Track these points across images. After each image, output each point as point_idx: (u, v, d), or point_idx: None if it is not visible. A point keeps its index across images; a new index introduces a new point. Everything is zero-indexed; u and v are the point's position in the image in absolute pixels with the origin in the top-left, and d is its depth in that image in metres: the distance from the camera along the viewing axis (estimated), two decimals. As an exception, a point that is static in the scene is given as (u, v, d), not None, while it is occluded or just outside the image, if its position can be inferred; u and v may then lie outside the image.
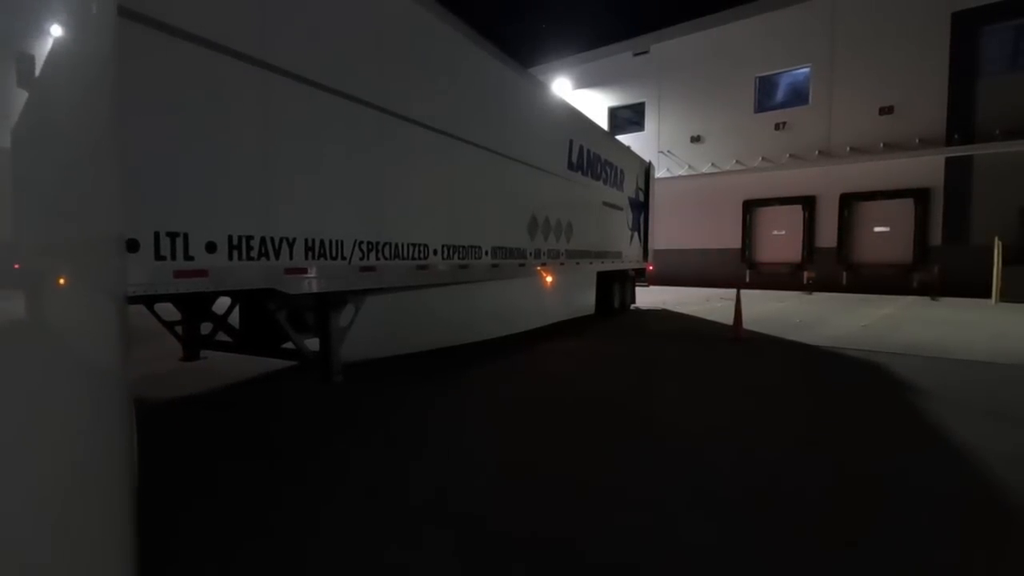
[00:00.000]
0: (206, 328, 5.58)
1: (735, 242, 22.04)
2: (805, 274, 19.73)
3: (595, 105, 25.65)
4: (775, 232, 21.22)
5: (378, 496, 2.87)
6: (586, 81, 26.37)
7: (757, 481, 3.06)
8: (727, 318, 10.48)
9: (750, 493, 2.90)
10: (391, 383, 5.36)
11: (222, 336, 5.40)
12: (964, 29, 17.21)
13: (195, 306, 5.35)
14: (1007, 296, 14.64)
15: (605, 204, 9.94)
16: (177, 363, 5.76)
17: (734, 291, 18.62)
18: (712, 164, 22.47)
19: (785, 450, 3.56)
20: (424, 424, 4.15)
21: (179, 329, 5.59)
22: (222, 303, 5.40)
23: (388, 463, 3.35)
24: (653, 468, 3.27)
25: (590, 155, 9.06)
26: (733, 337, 8.00)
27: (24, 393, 1.05)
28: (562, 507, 2.75)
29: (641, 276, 12.66)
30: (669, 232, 22.29)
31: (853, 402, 4.77)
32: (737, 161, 21.85)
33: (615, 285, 10.89)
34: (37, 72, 1.07)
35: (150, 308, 5.10)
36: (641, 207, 12.13)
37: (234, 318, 5.50)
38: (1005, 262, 15.01)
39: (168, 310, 5.39)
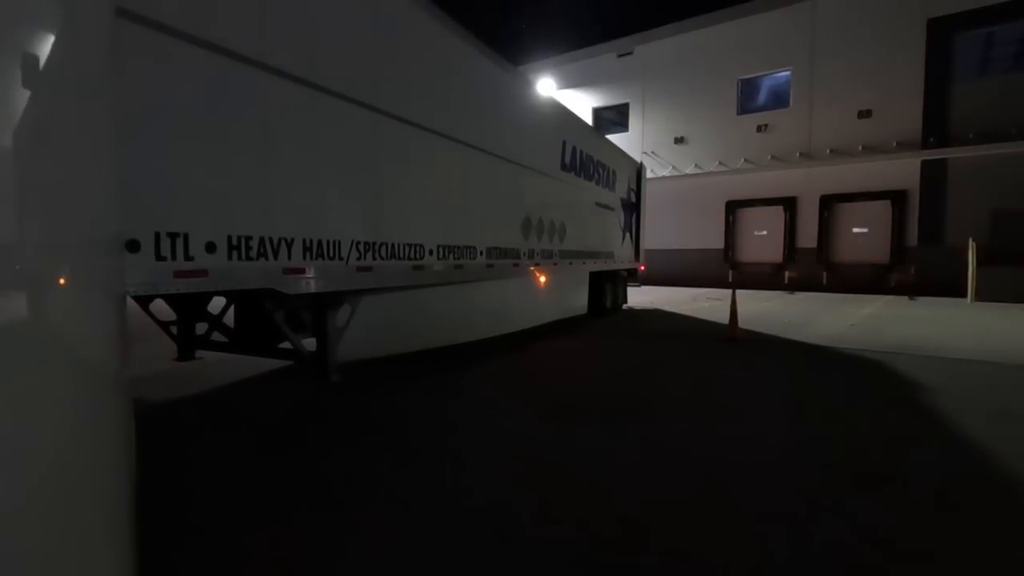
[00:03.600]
0: (201, 328, 5.52)
1: (718, 242, 22.35)
2: (786, 274, 20.08)
3: (579, 106, 25.78)
4: (757, 232, 21.56)
5: (410, 506, 2.86)
6: (570, 81, 26.50)
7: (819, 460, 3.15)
8: (718, 317, 10.70)
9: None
10: (391, 382, 5.37)
11: (217, 336, 5.36)
12: (939, 35, 17.67)
13: (190, 306, 5.31)
14: (981, 295, 15.07)
15: (598, 205, 10.01)
16: (172, 363, 5.69)
17: (720, 291, 19.29)
18: (695, 165, 22.75)
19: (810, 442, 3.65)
20: (430, 424, 4.15)
21: (174, 329, 5.53)
22: (217, 303, 5.35)
23: (399, 464, 3.35)
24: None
25: (583, 156, 9.11)
26: (730, 336, 8.09)
27: (24, 393, 1.05)
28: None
29: (633, 276, 12.77)
30: (652, 232, 22.48)
31: (871, 401, 4.84)
32: (720, 162, 22.15)
33: (607, 285, 10.96)
34: (33, 73, 1.06)
35: (145, 308, 5.03)
36: (633, 208, 12.23)
37: (229, 318, 5.46)
38: (978, 262, 15.46)
39: (162, 310, 5.32)
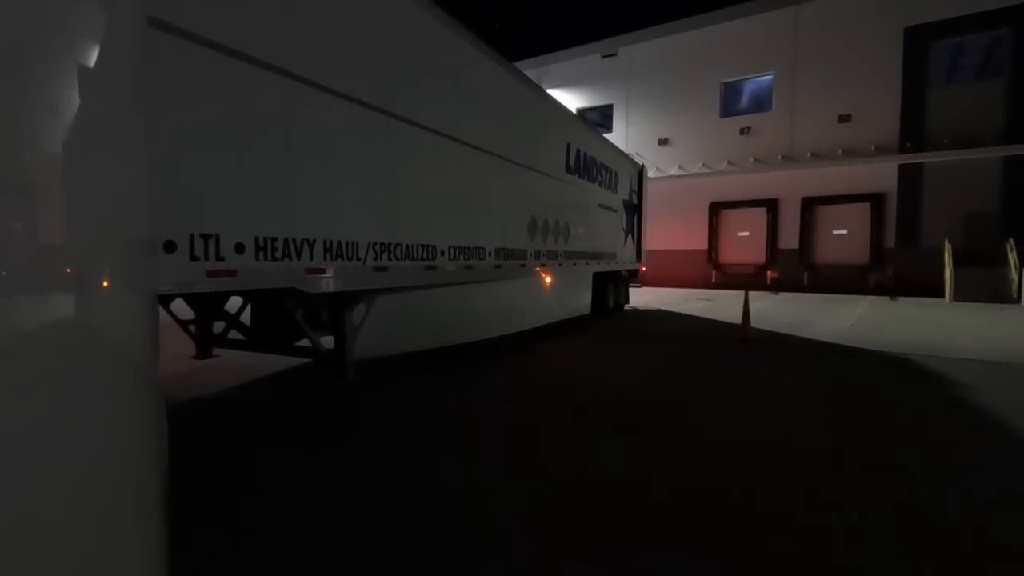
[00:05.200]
0: (218, 327, 5.51)
1: (701, 243, 22.68)
2: (769, 275, 20.47)
3: (565, 106, 25.84)
4: (740, 234, 21.95)
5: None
6: (555, 81, 26.57)
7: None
8: (718, 316, 10.97)
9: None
10: (406, 379, 5.50)
11: (234, 334, 5.36)
12: (915, 43, 18.24)
13: (209, 305, 5.30)
14: (958, 295, 15.58)
15: (600, 206, 10.08)
16: (191, 361, 5.73)
17: (708, 292, 19.58)
18: (679, 167, 23.04)
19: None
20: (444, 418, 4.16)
21: (192, 327, 5.51)
22: (233, 302, 5.36)
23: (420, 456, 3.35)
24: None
25: (586, 158, 9.18)
26: (742, 337, 8.11)
27: (65, 391, 1.08)
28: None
29: (634, 277, 12.90)
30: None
31: (932, 401, 4.94)
32: (703, 164, 22.48)
33: (610, 285, 11.03)
34: (71, 81, 1.10)
35: (166, 307, 5.00)
36: (634, 209, 12.34)
37: (245, 316, 5.44)
38: (954, 263, 16.00)
39: (180, 309, 5.30)
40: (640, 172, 12.70)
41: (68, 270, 1.10)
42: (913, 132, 18.32)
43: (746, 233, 21.76)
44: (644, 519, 2.63)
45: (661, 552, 2.33)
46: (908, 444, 3.77)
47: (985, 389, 5.23)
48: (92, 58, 1.15)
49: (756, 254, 21.44)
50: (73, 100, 1.10)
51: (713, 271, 22.27)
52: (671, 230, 23.00)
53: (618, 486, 3.01)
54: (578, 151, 8.78)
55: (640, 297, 16.35)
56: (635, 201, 12.37)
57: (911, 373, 6.08)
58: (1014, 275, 15.16)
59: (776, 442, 3.77)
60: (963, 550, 2.37)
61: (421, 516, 2.65)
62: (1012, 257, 15.48)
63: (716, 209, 22.33)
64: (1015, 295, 14.86)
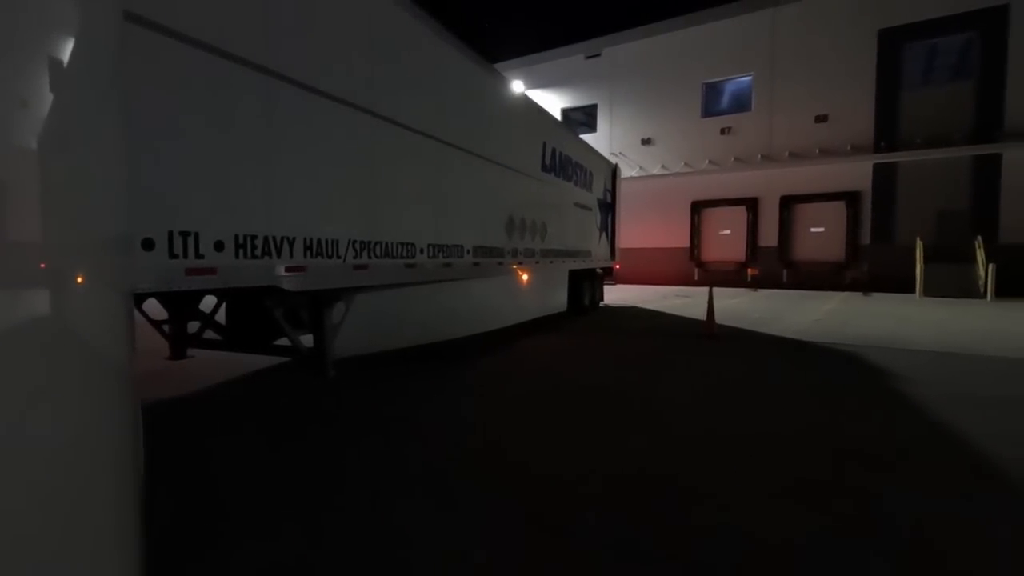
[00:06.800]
0: (192, 327, 5.51)
1: (683, 241, 23.00)
2: (749, 272, 20.84)
3: (548, 106, 26.02)
4: (721, 232, 22.30)
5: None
6: (539, 82, 26.75)
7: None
8: (692, 314, 11.16)
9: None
10: (386, 378, 5.52)
11: (210, 334, 5.36)
12: (889, 45, 18.69)
13: (183, 304, 5.29)
14: (929, 291, 16.03)
15: (576, 205, 10.25)
16: (165, 362, 5.67)
17: (688, 289, 19.88)
18: (662, 166, 23.33)
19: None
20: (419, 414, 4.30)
21: (166, 328, 5.50)
22: (207, 301, 5.36)
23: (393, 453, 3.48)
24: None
25: (562, 157, 9.35)
26: (708, 333, 8.34)
27: (41, 390, 1.09)
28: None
29: (609, 274, 13.12)
30: (621, 231, 22.93)
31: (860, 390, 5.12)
32: (685, 163, 22.79)
33: (585, 283, 11.22)
34: (45, 77, 1.09)
35: (138, 307, 4.97)
36: (609, 208, 12.54)
37: (220, 316, 5.46)
38: (925, 260, 16.45)
39: (153, 309, 5.28)
40: (614, 171, 12.88)
41: (42, 267, 1.09)
42: (887, 132, 18.77)
43: (727, 231, 22.12)
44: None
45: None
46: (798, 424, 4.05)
47: (923, 381, 5.36)
48: (67, 53, 1.14)
49: (737, 252, 21.81)
50: (48, 95, 1.08)
51: (695, 269, 22.60)
52: (654, 228, 23.31)
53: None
54: (553, 150, 8.94)
55: (620, 294, 16.54)
56: (609, 200, 12.55)
57: (850, 365, 6.24)
58: (981, 271, 15.62)
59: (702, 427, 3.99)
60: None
61: (413, 503, 2.81)
62: (979, 254, 15.95)
63: (698, 208, 22.66)
64: (982, 291, 15.33)
